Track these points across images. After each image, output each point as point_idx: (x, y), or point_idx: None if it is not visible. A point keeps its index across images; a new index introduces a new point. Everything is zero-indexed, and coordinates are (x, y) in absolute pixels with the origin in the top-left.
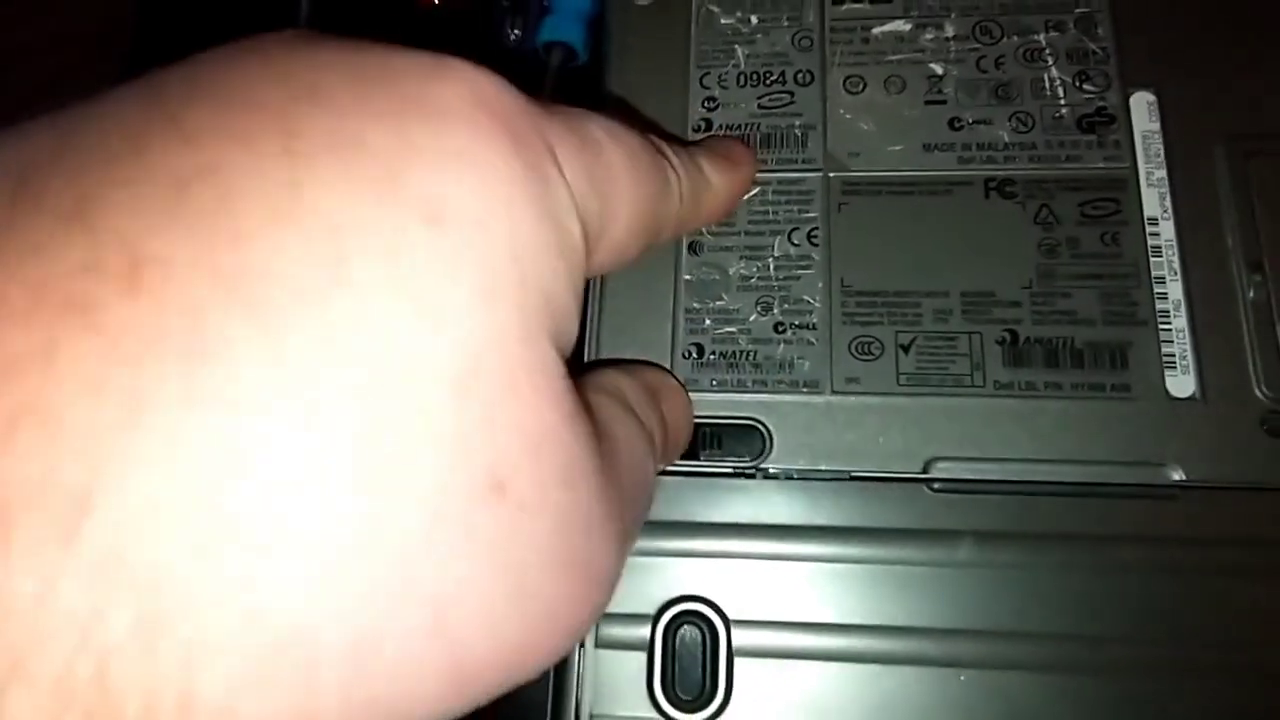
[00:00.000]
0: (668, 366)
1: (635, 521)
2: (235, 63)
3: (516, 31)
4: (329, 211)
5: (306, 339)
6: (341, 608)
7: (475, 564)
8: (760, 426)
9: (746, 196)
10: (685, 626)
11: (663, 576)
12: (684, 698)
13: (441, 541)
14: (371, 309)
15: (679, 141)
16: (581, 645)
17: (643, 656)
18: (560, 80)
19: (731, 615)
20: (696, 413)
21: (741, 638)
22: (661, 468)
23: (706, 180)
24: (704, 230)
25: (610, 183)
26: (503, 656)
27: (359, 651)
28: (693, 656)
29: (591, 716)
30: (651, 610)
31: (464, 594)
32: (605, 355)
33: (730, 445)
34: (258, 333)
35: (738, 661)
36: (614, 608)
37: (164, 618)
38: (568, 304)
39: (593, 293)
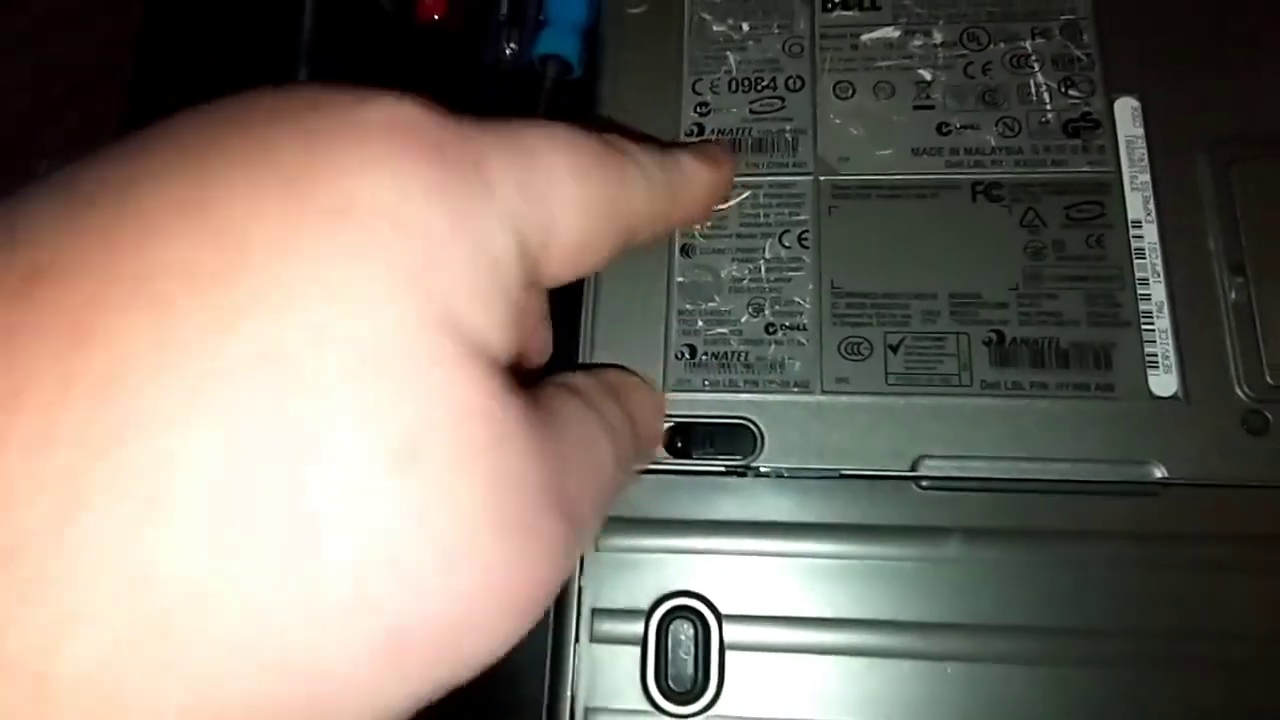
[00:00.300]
0: (661, 367)
1: (590, 500)
2: (184, 118)
3: (513, 45)
4: (230, 206)
5: (199, 319)
6: (237, 574)
7: (391, 532)
8: (751, 426)
9: (737, 200)
10: (678, 621)
11: (656, 572)
12: (677, 691)
13: (351, 509)
14: (271, 290)
15: (660, 143)
16: (576, 639)
17: (636, 651)
18: (556, 92)
19: (723, 610)
20: (689, 412)
21: (733, 632)
22: (640, 465)
23: (684, 174)
24: (696, 233)
25: (552, 187)
26: (440, 629)
27: (261, 621)
28: (685, 651)
29: (586, 710)
30: (645, 605)
31: (383, 563)
32: (599, 356)
33: (722, 444)
34: (147, 316)
35: (729, 655)
36: (608, 603)
37: (32, 586)
38: (491, 312)
39: (587, 295)
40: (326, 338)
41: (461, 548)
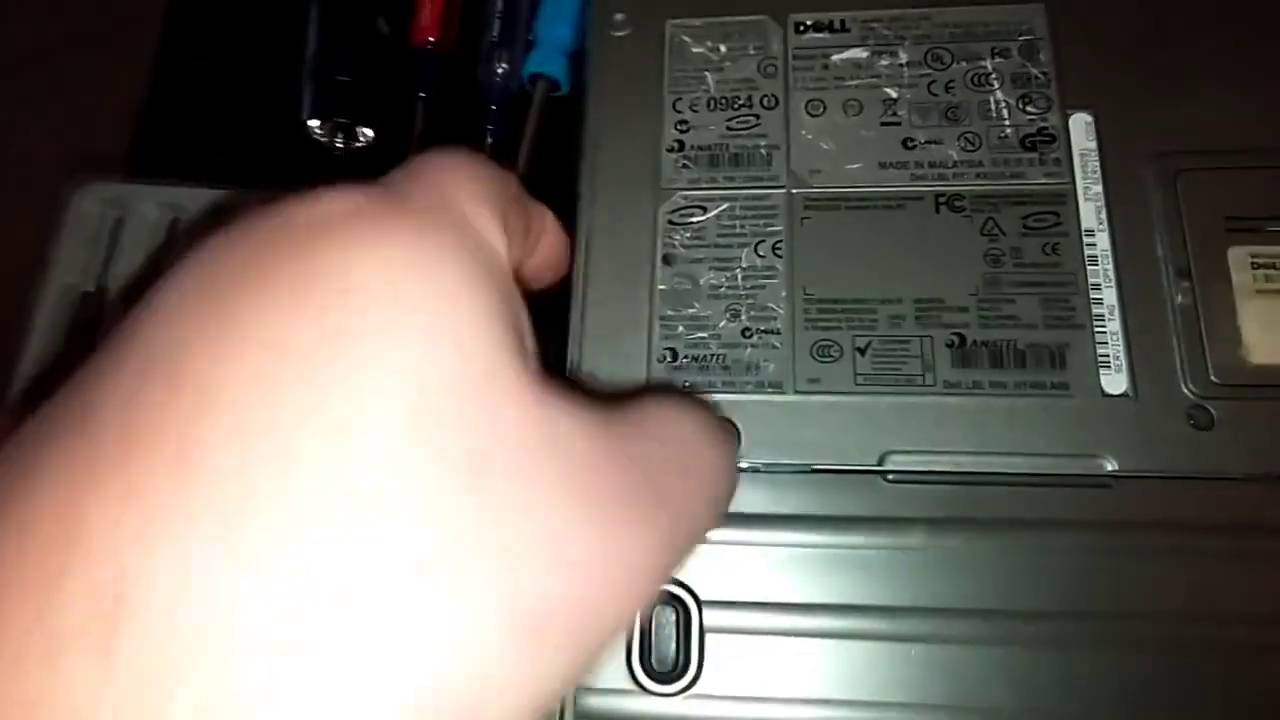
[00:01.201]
0: (644, 371)
1: (689, 494)
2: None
3: (504, 66)
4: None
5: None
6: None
7: (467, 537)
8: (729, 424)
9: (716, 213)
10: (661, 607)
11: None
12: (660, 671)
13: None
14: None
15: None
16: None
17: (622, 634)
18: (545, 110)
19: (703, 596)
20: None
21: (712, 617)
22: None
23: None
24: (677, 243)
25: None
26: (558, 612)
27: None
28: (668, 634)
29: (577, 689)
30: None
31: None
32: (588, 359)
33: None
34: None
35: (709, 638)
36: None
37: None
38: (507, 324)
39: (575, 302)
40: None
41: (554, 537)
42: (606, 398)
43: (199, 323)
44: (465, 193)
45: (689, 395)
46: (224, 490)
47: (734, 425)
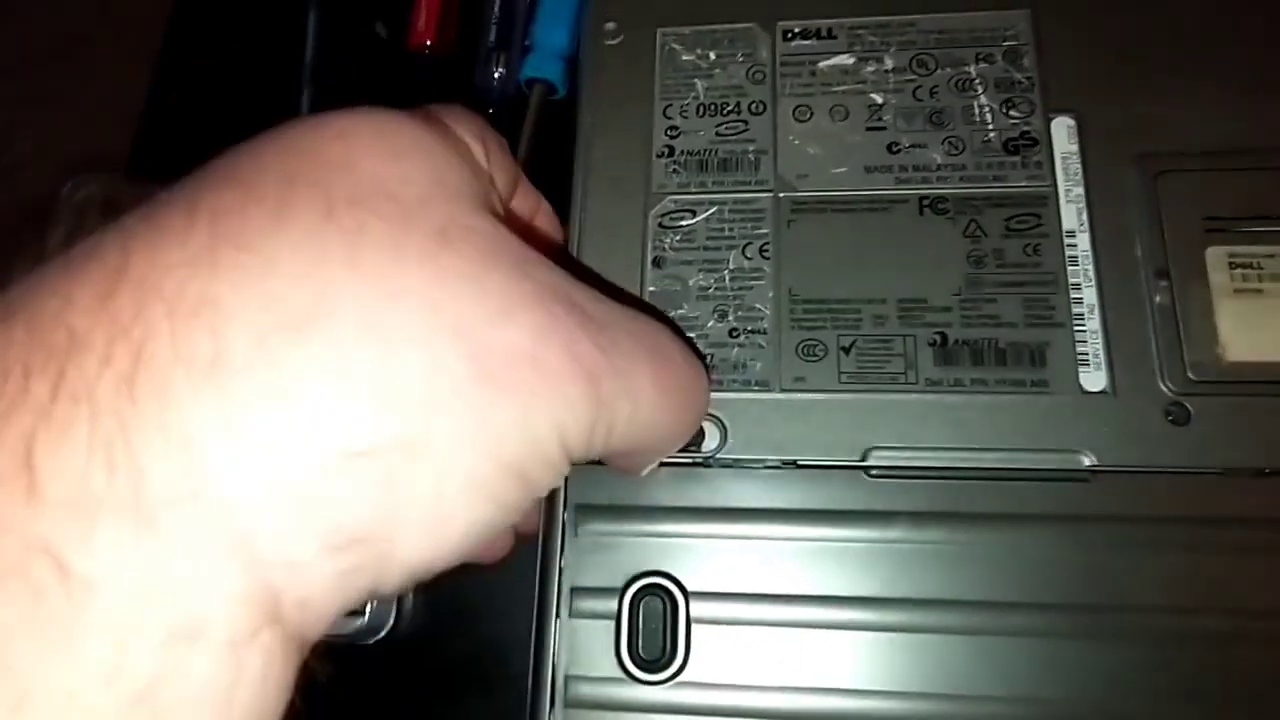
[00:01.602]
0: None
1: (627, 354)
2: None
3: (501, 70)
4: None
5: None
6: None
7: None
8: (717, 421)
9: (705, 217)
10: (649, 598)
11: (629, 554)
12: (648, 660)
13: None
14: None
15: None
16: (558, 615)
17: (612, 625)
18: (542, 113)
19: (690, 588)
20: None
21: (698, 608)
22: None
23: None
24: (666, 246)
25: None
26: (507, 366)
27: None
28: (655, 624)
29: (567, 678)
30: (619, 584)
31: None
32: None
33: (690, 439)
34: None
35: (695, 628)
36: (586, 582)
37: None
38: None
39: None
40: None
41: (506, 307)
42: None
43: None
44: (450, 114)
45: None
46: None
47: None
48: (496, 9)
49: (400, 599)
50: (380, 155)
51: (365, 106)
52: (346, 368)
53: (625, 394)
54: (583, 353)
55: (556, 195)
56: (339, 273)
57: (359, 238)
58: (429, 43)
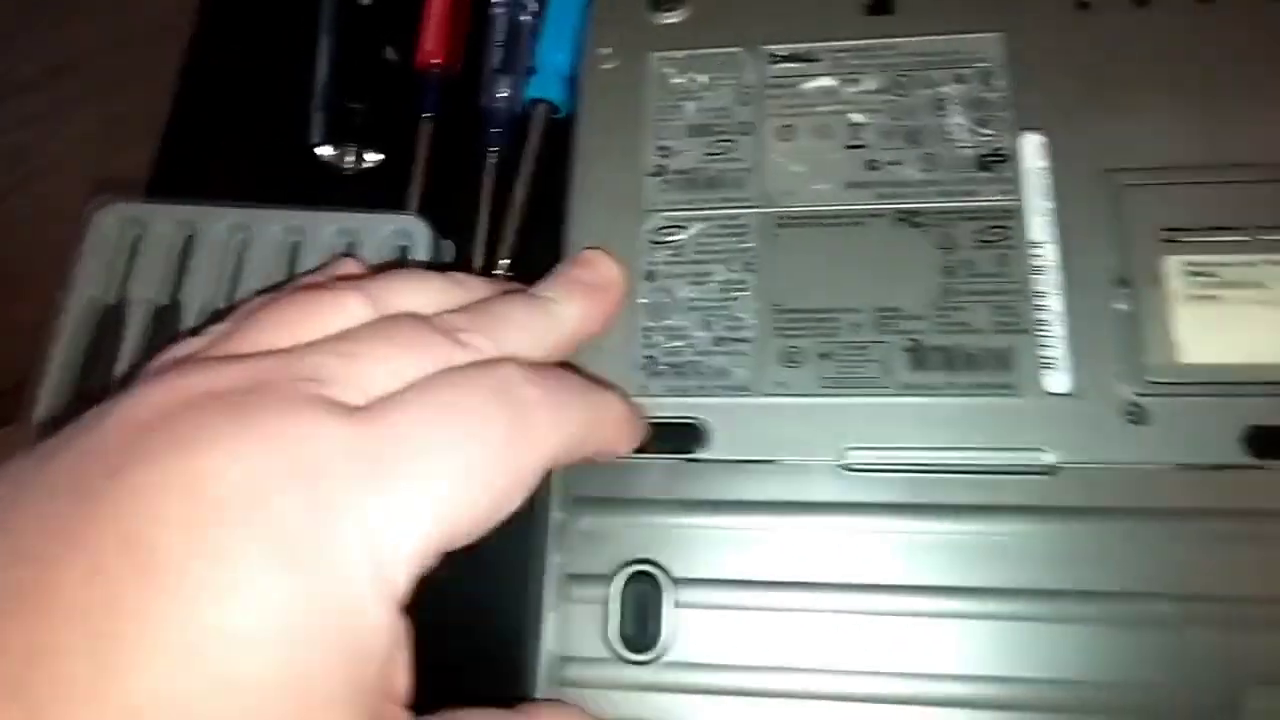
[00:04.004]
0: (625, 376)
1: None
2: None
3: (506, 91)
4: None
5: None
6: None
7: None
8: (702, 423)
9: (694, 232)
10: (637, 584)
11: (619, 543)
12: (634, 642)
13: None
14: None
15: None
16: (550, 600)
17: (601, 609)
18: (545, 132)
19: (676, 575)
20: (651, 415)
21: (684, 594)
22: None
23: (557, 318)
24: (658, 260)
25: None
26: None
27: None
28: (642, 608)
29: (559, 659)
30: (609, 571)
31: None
32: (576, 367)
33: (677, 439)
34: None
35: (680, 613)
36: (578, 570)
37: None
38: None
39: None
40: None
41: None
42: None
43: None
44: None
45: None
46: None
47: None
48: (501, 31)
49: None
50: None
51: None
52: None
53: None
54: None
55: (559, 212)
56: None
57: None
58: (436, 62)
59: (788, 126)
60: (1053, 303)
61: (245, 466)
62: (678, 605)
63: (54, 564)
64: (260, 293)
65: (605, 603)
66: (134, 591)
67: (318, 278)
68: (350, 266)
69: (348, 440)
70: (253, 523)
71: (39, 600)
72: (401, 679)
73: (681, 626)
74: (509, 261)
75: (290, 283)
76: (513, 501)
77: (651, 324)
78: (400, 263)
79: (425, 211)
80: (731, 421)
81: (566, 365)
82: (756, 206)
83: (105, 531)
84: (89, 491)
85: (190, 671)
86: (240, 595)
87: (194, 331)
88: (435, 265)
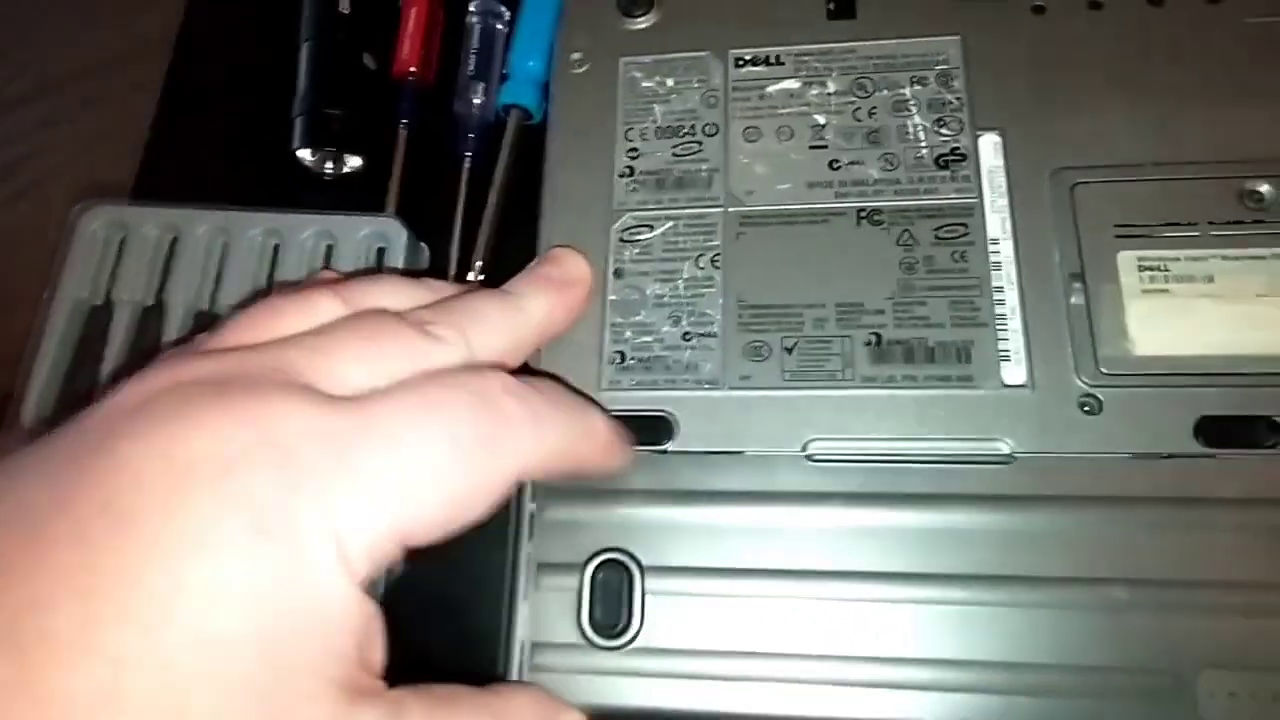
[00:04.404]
0: (596, 370)
1: None
2: None
3: (480, 97)
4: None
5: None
6: None
7: None
8: (670, 416)
9: (662, 231)
10: (608, 572)
11: (591, 533)
12: (606, 628)
13: None
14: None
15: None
16: (524, 589)
17: (573, 596)
18: (519, 137)
19: (646, 563)
20: (620, 408)
21: (653, 582)
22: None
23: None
24: (626, 259)
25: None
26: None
27: None
28: (613, 595)
29: (533, 645)
30: (581, 559)
31: None
32: (545, 362)
33: (645, 432)
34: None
35: (649, 599)
36: (551, 559)
37: None
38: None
39: None
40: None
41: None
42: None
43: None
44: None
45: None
46: None
47: None
48: (475, 40)
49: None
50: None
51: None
52: None
53: None
54: None
55: (532, 214)
56: None
57: None
58: (413, 70)
59: (753, 128)
60: (1009, 297)
61: (220, 440)
62: (647, 593)
63: (43, 528)
64: (240, 305)
65: (577, 591)
66: (114, 551)
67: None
68: (327, 275)
69: (320, 425)
70: (223, 491)
71: (28, 561)
72: (376, 652)
73: (651, 613)
74: (482, 264)
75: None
76: (478, 507)
77: (620, 320)
78: (376, 269)
79: (402, 215)
80: (699, 414)
81: (556, 379)
82: (723, 206)
83: (91, 499)
84: (78, 464)
85: (167, 625)
86: (211, 554)
87: (176, 343)
88: (411, 269)
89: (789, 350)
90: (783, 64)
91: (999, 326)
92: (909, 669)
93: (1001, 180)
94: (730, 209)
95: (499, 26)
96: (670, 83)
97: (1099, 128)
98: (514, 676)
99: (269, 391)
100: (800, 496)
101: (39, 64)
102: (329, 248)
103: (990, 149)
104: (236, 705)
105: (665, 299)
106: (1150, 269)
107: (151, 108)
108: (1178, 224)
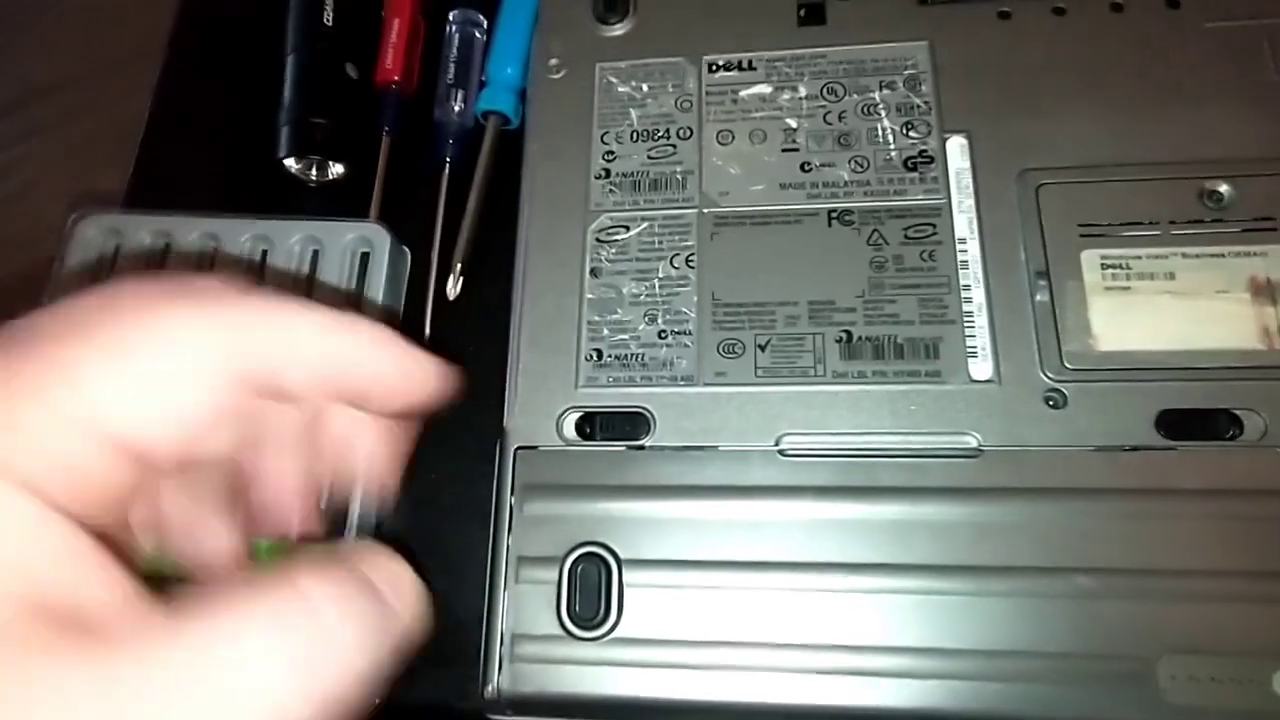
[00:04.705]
0: (574, 367)
1: None
2: None
3: (460, 104)
4: None
5: None
6: None
7: None
8: (646, 412)
9: (638, 231)
10: (586, 565)
11: (570, 527)
12: (585, 619)
13: None
14: None
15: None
16: (506, 581)
17: (553, 589)
18: (497, 142)
19: (623, 556)
20: (597, 405)
21: (631, 574)
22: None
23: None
24: (603, 258)
25: None
26: None
27: None
28: (592, 588)
29: (514, 636)
30: (560, 553)
31: None
32: (525, 360)
33: (622, 428)
34: None
35: (627, 591)
36: (531, 552)
37: None
38: None
39: (514, 311)
40: None
41: None
42: None
43: None
44: None
45: None
46: None
47: None
48: (455, 48)
49: None
50: None
51: None
52: None
53: None
54: None
55: (510, 217)
56: None
57: None
58: (395, 79)
59: (726, 131)
60: (977, 295)
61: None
62: (625, 585)
63: None
64: None
65: (557, 583)
66: None
67: None
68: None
69: None
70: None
71: None
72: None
73: (629, 605)
74: (462, 265)
75: None
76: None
77: (597, 318)
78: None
79: (385, 220)
80: (675, 410)
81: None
82: (697, 207)
83: None
84: None
85: None
86: None
87: None
88: (395, 270)
89: (762, 347)
90: (755, 69)
91: (966, 323)
92: (880, 657)
93: (969, 181)
94: (704, 210)
95: (477, 35)
96: (645, 87)
97: (1063, 130)
98: (495, 667)
99: None
100: (774, 490)
101: (25, 72)
102: (315, 252)
103: (957, 151)
104: None
105: (641, 298)
106: (1113, 267)
107: (136, 115)
108: (1139, 223)
